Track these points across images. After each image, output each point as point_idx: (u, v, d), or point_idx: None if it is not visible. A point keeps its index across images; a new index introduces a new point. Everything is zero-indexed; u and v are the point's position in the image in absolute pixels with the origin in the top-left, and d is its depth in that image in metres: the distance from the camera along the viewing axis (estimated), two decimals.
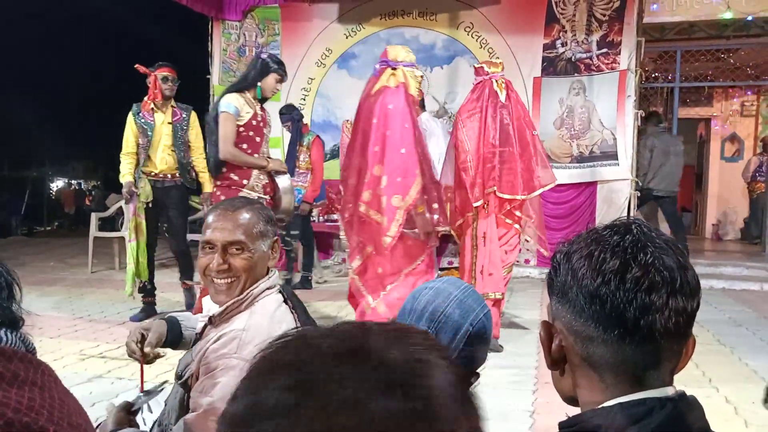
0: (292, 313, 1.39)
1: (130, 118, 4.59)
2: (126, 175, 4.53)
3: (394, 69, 3.52)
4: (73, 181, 22.40)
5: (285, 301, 1.41)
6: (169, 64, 4.61)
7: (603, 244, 0.78)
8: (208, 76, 7.59)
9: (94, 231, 6.76)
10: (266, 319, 1.35)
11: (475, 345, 1.12)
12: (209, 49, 7.60)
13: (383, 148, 3.42)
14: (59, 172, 22.49)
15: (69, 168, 22.93)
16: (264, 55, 3.85)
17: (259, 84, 3.71)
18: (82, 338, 3.98)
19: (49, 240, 11.17)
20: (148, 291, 4.64)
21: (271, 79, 3.74)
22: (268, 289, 1.41)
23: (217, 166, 3.67)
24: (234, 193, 3.59)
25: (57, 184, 21.48)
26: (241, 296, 1.37)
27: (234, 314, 1.37)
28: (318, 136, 5.93)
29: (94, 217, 6.94)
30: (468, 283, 1.26)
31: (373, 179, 3.42)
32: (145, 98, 4.57)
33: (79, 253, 7.94)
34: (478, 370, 1.17)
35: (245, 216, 1.40)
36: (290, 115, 5.85)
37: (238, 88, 3.73)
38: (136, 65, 4.52)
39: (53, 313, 4.56)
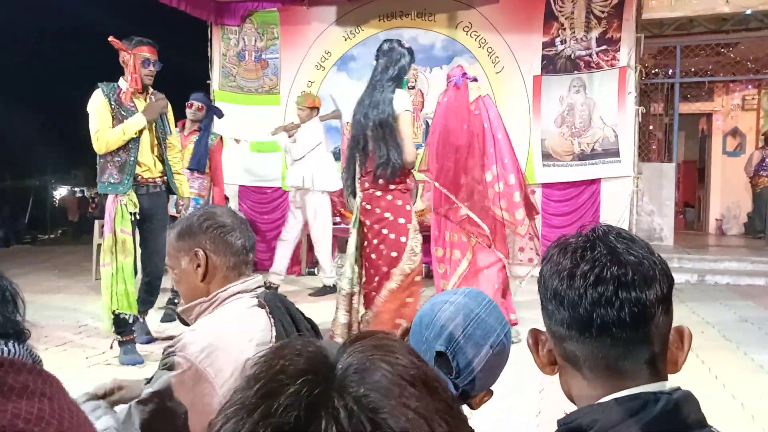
0: (268, 317, 1.35)
1: (100, 99, 3.65)
2: (134, 119, 3.65)
3: (476, 81, 4.20)
4: (75, 189, 22.47)
5: (264, 306, 1.38)
6: (151, 42, 3.78)
7: (561, 247, 0.84)
8: (208, 81, 7.61)
9: (97, 238, 6.78)
10: (219, 322, 1.34)
11: (494, 367, 1.09)
12: (209, 54, 7.61)
13: (499, 150, 4.06)
14: (61, 180, 22.56)
15: (71, 176, 23.00)
16: (406, 45, 3.53)
17: (405, 77, 3.52)
18: (88, 346, 3.99)
19: (52, 248, 11.20)
20: (130, 327, 3.70)
21: (412, 69, 3.64)
22: (240, 292, 1.39)
23: (395, 171, 3.33)
24: (408, 197, 3.45)
25: (60, 193, 21.55)
26: (208, 298, 1.39)
27: (202, 315, 1.40)
28: (222, 137, 5.25)
29: (97, 225, 6.95)
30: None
31: (496, 177, 4.06)
32: (123, 83, 3.72)
33: (83, 261, 7.96)
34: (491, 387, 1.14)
35: (169, 238, 1.47)
36: (209, 103, 5.03)
37: (398, 83, 3.46)
38: (110, 38, 3.68)
39: (58, 322, 4.57)
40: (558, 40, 6.61)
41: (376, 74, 3.48)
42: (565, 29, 6.58)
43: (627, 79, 6.35)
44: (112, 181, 3.68)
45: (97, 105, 3.66)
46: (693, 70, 8.76)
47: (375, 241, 3.40)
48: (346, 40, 7.30)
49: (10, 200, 15.29)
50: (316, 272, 6.95)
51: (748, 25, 7.46)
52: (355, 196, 3.54)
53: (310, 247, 6.99)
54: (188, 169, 4.66)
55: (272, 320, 1.34)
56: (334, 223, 6.81)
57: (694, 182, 11.51)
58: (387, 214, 3.38)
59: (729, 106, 10.23)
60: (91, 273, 6.73)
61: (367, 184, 3.41)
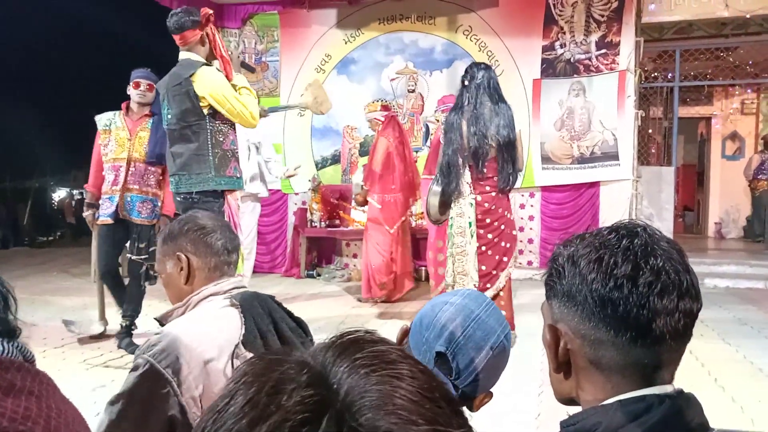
0: (241, 317, 1.36)
1: (219, 73, 3.31)
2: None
3: None
4: (74, 191, 22.45)
5: (237, 306, 1.39)
6: None
7: (612, 248, 0.78)
8: None
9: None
10: (184, 324, 1.36)
11: (494, 368, 1.08)
12: None
13: None
14: (61, 182, 22.54)
15: (70, 177, 22.97)
16: (484, 66, 4.00)
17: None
18: (86, 348, 3.99)
19: (51, 250, 11.18)
20: None
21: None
22: (212, 295, 1.42)
23: (515, 182, 3.97)
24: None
25: (59, 194, 21.52)
26: (182, 302, 1.43)
27: (176, 318, 1.43)
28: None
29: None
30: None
31: None
32: (201, 58, 3.33)
33: (81, 263, 7.95)
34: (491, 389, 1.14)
35: (157, 245, 1.54)
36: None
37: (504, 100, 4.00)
38: (207, 9, 3.34)
39: (57, 323, 4.56)
40: (558, 43, 6.62)
41: (481, 91, 3.87)
42: (564, 33, 6.59)
43: (626, 82, 6.35)
44: (238, 175, 3.39)
45: (225, 80, 3.27)
46: (692, 74, 8.77)
47: (490, 236, 3.91)
48: (346, 43, 7.31)
49: (9, 202, 15.28)
50: (315, 275, 6.95)
51: (748, 29, 7.47)
52: (457, 198, 3.92)
53: (309, 250, 7.00)
54: (146, 162, 3.94)
55: (243, 319, 1.35)
56: (334, 226, 6.82)
57: (693, 186, 11.52)
58: (507, 214, 3.99)
59: (728, 110, 10.24)
60: (90, 275, 6.73)
61: (488, 188, 3.90)
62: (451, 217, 3.95)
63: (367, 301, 5.51)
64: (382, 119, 5.57)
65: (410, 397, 0.39)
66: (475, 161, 3.84)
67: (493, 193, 3.91)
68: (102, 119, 4.02)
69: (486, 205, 3.90)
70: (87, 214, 4.14)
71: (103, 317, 4.21)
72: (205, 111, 3.21)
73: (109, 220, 3.94)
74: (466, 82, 3.96)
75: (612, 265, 0.77)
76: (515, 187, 4.17)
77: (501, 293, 3.98)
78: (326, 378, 0.40)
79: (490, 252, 3.91)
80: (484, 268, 3.89)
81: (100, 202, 4.03)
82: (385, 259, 5.45)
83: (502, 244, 3.94)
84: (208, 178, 3.23)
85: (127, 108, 4.03)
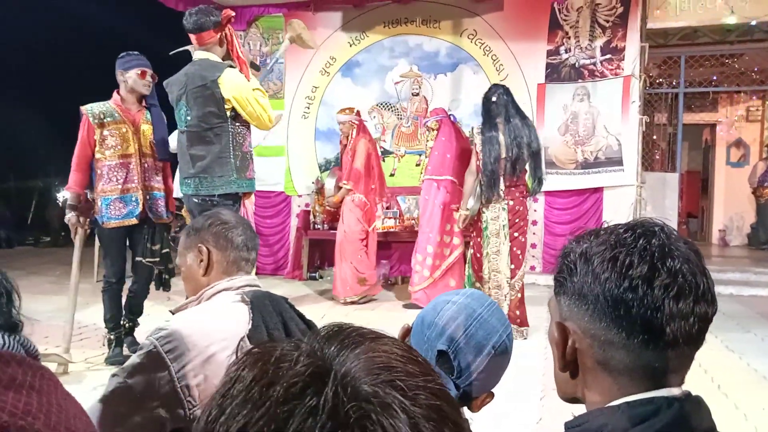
0: (249, 313, 1.38)
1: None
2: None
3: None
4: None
5: (247, 303, 1.41)
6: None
7: (628, 247, 0.76)
8: None
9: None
10: (192, 314, 1.41)
11: (496, 368, 1.08)
12: None
13: None
14: (65, 182, 22.61)
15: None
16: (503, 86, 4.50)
17: None
18: (88, 347, 3.99)
19: (55, 250, 11.21)
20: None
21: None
22: (225, 290, 1.46)
23: None
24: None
25: (63, 195, 21.58)
26: (196, 296, 1.49)
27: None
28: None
29: None
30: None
31: None
32: (219, 58, 3.32)
33: (84, 262, 7.95)
34: (492, 390, 1.13)
35: (180, 239, 1.60)
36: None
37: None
38: (229, 11, 3.26)
39: (59, 322, 4.56)
40: (562, 48, 6.62)
41: (510, 107, 4.37)
42: (569, 38, 6.59)
43: (631, 88, 6.34)
44: (255, 177, 3.42)
45: (247, 82, 3.22)
46: (697, 80, 8.75)
47: (516, 234, 4.35)
48: (351, 46, 7.32)
49: (13, 202, 15.32)
50: (317, 277, 6.94)
51: (753, 35, 7.46)
52: (495, 202, 4.33)
53: (312, 252, 7.00)
54: (159, 159, 3.73)
55: (251, 315, 1.38)
56: (333, 228, 6.82)
57: (697, 192, 11.49)
58: (527, 215, 4.49)
59: (733, 117, 10.23)
60: (93, 275, 6.74)
61: (518, 193, 4.36)
62: (485, 220, 4.38)
63: (344, 301, 5.60)
64: (357, 122, 5.82)
65: (398, 359, 0.44)
66: (513, 169, 4.28)
67: (522, 198, 4.38)
68: (94, 111, 3.56)
69: (517, 208, 4.37)
70: (70, 216, 3.67)
71: (68, 350, 3.63)
72: (228, 113, 3.19)
73: (134, 221, 3.61)
74: (494, 99, 4.36)
75: (627, 265, 0.74)
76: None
77: (519, 293, 4.33)
78: (320, 356, 0.44)
79: (516, 249, 4.36)
80: (513, 266, 4.31)
81: (102, 202, 3.61)
82: (362, 256, 5.65)
83: (522, 239, 4.40)
84: (230, 180, 3.23)
85: (121, 96, 3.65)
